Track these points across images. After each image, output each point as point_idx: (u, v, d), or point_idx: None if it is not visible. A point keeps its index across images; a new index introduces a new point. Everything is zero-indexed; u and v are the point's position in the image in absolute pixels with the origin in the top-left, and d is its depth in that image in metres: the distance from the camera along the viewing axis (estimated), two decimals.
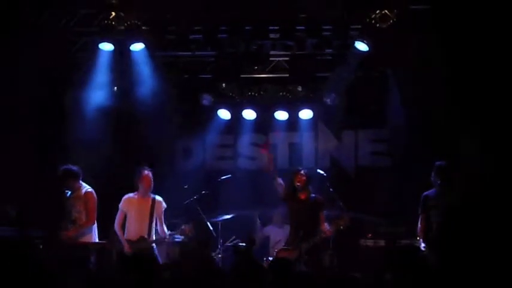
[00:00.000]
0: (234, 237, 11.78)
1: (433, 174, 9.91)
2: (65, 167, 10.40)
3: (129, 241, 10.54)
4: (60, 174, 10.36)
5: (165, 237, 10.66)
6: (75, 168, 10.41)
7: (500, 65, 11.02)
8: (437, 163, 9.95)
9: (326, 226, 10.25)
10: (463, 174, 10.14)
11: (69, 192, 10.42)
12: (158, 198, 10.71)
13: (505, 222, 10.26)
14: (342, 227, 10.12)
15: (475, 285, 6.37)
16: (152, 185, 10.66)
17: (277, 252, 10.63)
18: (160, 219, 10.63)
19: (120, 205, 10.75)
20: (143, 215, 10.63)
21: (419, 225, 9.98)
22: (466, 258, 8.88)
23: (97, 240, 10.49)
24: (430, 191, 9.97)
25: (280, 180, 10.68)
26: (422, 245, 9.80)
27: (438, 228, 9.65)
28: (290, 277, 5.86)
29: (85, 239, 10.32)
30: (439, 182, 9.84)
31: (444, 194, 9.78)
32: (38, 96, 12.09)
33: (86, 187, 10.46)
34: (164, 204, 10.71)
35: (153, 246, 10.57)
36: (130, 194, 10.77)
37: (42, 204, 10.97)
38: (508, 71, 11.04)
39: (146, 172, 10.64)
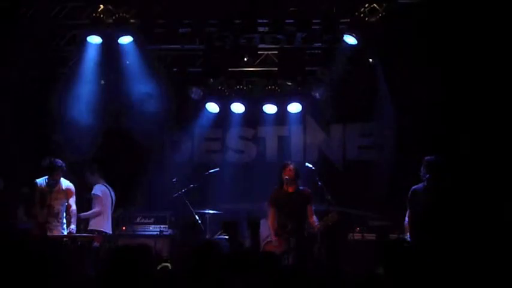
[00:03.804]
0: (221, 231, 11.78)
1: (422, 168, 9.85)
2: (50, 159, 10.43)
3: None
4: (46, 166, 10.38)
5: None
6: (59, 161, 10.48)
7: (490, 58, 11.06)
8: (427, 157, 9.90)
9: (314, 219, 10.23)
10: (451, 169, 10.15)
11: (45, 184, 10.42)
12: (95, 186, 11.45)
13: (492, 217, 10.32)
14: (331, 224, 10.09)
15: (463, 277, 6.40)
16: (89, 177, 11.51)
17: (264, 245, 10.63)
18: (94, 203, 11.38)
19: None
20: None
21: (406, 219, 9.97)
22: (453, 251, 8.92)
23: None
24: (419, 185, 9.92)
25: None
26: (409, 240, 9.81)
27: (425, 221, 9.65)
28: (278, 271, 5.85)
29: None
30: (427, 176, 9.79)
31: (432, 188, 9.74)
32: (25, 90, 12.06)
33: (66, 181, 10.56)
34: (93, 191, 11.42)
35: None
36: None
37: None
38: (498, 65, 11.09)
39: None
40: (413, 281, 5.07)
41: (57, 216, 10.41)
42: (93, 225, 11.19)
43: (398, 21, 11.04)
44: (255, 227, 10.41)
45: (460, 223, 9.43)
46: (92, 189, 11.42)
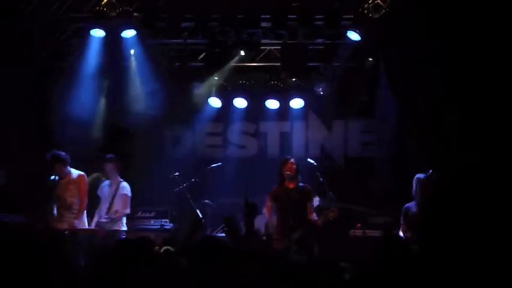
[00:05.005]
0: (223, 225, 11.75)
1: (414, 187, 9.74)
2: (53, 152, 10.40)
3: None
4: (49, 160, 10.36)
5: (106, 219, 10.82)
6: (63, 153, 10.44)
7: (493, 55, 11.05)
8: (418, 176, 9.76)
9: (314, 216, 10.23)
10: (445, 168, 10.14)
11: (57, 178, 10.41)
12: (123, 184, 11.06)
13: (488, 214, 10.30)
14: (331, 219, 10.08)
15: (459, 274, 6.38)
16: (112, 172, 11.05)
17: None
18: (121, 202, 10.93)
19: (97, 191, 11.18)
20: (108, 200, 11.02)
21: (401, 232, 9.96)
22: (450, 249, 8.91)
23: (87, 226, 10.52)
24: (411, 203, 9.85)
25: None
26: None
27: (419, 220, 9.62)
28: (280, 267, 5.85)
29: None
30: (420, 195, 9.69)
31: (425, 206, 9.67)
32: (28, 83, 12.08)
33: (77, 171, 10.51)
34: (125, 191, 11.02)
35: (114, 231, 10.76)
36: (107, 181, 11.18)
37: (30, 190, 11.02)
38: (500, 63, 11.07)
39: (105, 160, 11.10)
40: (411, 278, 5.08)
41: (70, 208, 10.37)
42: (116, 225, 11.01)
43: (401, 17, 11.04)
44: (251, 211, 10.35)
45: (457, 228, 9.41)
46: (94, 184, 11.33)
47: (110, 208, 10.94)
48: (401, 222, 9.88)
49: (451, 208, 9.37)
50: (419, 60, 11.53)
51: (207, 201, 11.76)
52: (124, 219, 11.07)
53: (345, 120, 13.45)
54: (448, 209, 9.38)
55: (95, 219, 10.91)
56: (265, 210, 10.56)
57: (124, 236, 10.79)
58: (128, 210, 11.08)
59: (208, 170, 12.16)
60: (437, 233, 9.17)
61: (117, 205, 10.97)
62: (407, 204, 9.85)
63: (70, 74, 12.27)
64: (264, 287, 5.27)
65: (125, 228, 11.02)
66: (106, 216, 10.81)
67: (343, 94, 12.77)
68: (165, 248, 5.59)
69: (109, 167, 11.09)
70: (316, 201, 10.64)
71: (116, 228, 10.85)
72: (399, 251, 5.23)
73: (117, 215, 10.84)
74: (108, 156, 11.18)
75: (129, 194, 11.07)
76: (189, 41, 12.33)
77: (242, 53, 12.38)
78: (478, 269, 6.74)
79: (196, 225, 11.40)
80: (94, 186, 11.16)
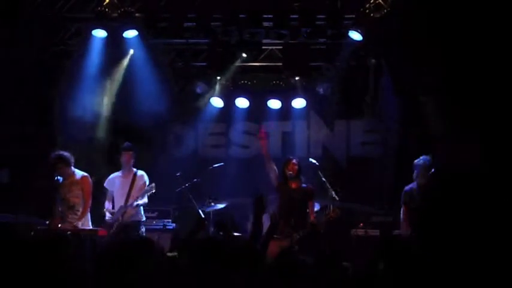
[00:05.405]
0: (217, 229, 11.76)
1: (415, 171, 9.95)
2: (56, 153, 10.41)
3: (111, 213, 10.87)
4: (52, 161, 10.36)
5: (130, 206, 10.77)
6: (66, 154, 10.43)
7: (494, 55, 11.04)
8: (420, 159, 9.98)
9: (315, 217, 10.28)
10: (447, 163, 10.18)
11: (61, 179, 10.42)
12: (139, 173, 11.00)
13: (488, 213, 10.32)
14: (331, 219, 10.11)
15: (461, 270, 6.39)
16: (130, 161, 10.97)
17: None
18: (139, 191, 10.82)
19: (104, 184, 11.08)
20: (123, 190, 10.89)
21: (402, 216, 10.02)
22: (450, 243, 8.92)
23: (91, 226, 10.53)
24: (411, 184, 10.02)
25: (274, 166, 10.63)
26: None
27: (418, 213, 9.69)
28: (281, 267, 5.86)
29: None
30: (420, 179, 9.87)
31: (423, 190, 9.81)
32: (29, 83, 12.10)
33: (81, 172, 10.51)
34: (144, 180, 10.93)
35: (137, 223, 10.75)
36: (116, 173, 11.12)
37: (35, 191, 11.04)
38: (500, 60, 11.07)
39: (123, 149, 11.01)
40: (414, 277, 5.08)
41: (73, 208, 10.37)
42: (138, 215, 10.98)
43: (402, 17, 11.04)
44: (260, 206, 10.33)
45: (457, 221, 9.44)
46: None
47: (127, 199, 10.83)
48: (402, 204, 10.00)
49: (450, 208, 9.40)
50: (419, 60, 11.53)
51: (211, 206, 11.71)
52: (142, 209, 11.00)
53: (347, 120, 13.44)
54: (448, 208, 9.42)
55: (108, 207, 10.93)
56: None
57: (144, 228, 10.88)
58: (146, 200, 10.96)
59: (210, 170, 12.17)
60: (436, 232, 9.20)
61: (135, 196, 10.85)
62: (406, 188, 10.00)
63: (73, 74, 12.28)
64: (264, 287, 5.28)
65: (144, 218, 11.00)
66: (129, 204, 10.74)
67: (345, 94, 12.77)
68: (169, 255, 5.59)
69: (127, 155, 11.00)
70: (316, 206, 10.67)
71: (137, 219, 10.85)
72: (399, 251, 5.23)
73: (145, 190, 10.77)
74: (126, 144, 11.12)
75: (148, 182, 10.95)
76: (191, 40, 12.34)
77: (244, 54, 12.40)
78: (478, 268, 6.75)
79: (198, 225, 11.40)
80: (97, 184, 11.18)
